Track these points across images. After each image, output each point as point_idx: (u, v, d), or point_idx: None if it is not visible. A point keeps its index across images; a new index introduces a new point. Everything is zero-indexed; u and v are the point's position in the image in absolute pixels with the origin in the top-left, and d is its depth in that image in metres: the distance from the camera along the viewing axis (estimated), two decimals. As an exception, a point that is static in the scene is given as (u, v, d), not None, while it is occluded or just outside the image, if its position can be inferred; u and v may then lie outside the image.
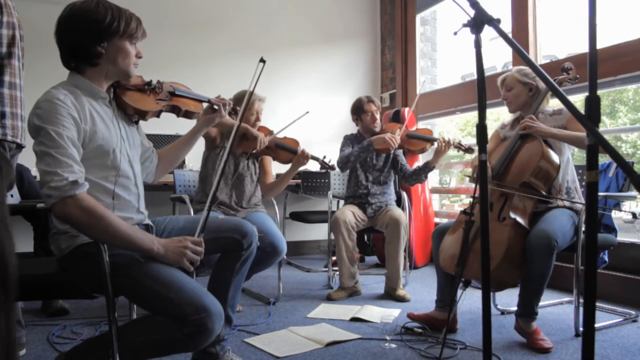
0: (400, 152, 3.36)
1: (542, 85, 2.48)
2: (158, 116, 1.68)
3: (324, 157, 2.94)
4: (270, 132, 2.92)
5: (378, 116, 3.31)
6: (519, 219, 2.25)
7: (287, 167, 2.91)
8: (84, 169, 1.38)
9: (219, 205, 2.79)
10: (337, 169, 3.14)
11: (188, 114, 1.73)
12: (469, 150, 2.95)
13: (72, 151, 1.36)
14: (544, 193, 2.34)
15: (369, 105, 3.27)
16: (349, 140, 3.38)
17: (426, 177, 3.33)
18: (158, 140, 3.97)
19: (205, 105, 1.81)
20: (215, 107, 1.80)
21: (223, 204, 2.80)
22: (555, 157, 2.33)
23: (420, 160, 4.34)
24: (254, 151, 2.76)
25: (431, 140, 3.10)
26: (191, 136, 1.83)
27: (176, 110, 1.70)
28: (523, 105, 2.53)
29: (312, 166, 4.64)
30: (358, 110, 3.31)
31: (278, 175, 3.10)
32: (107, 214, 1.35)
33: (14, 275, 0.86)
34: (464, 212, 2.44)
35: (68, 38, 1.46)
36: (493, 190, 2.35)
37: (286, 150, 2.88)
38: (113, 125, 1.54)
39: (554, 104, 2.61)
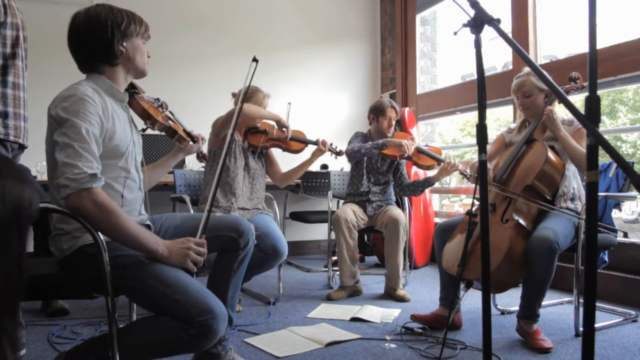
0: (403, 161, 3.37)
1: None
2: (161, 130, 1.78)
3: (331, 144, 3.05)
4: (272, 127, 2.98)
5: (394, 123, 3.33)
6: (522, 221, 2.24)
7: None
8: (101, 167, 1.41)
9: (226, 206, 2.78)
10: (342, 154, 3.19)
11: (180, 139, 1.84)
12: (471, 178, 2.89)
13: (94, 147, 1.39)
14: (548, 197, 2.33)
15: (391, 111, 3.28)
16: (359, 137, 3.38)
17: (422, 192, 3.38)
18: (158, 140, 3.98)
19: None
20: (195, 139, 1.92)
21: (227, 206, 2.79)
22: (559, 162, 2.32)
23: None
24: (262, 144, 2.86)
25: (439, 160, 3.15)
26: (170, 158, 1.92)
27: (172, 132, 1.81)
28: (539, 112, 2.45)
29: (312, 165, 4.64)
30: (378, 111, 3.31)
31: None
32: (118, 210, 1.37)
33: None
34: (468, 213, 2.43)
35: (89, 41, 1.50)
36: (497, 193, 2.34)
37: (300, 141, 2.99)
38: (128, 128, 1.59)
39: (562, 111, 2.58)
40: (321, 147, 2.95)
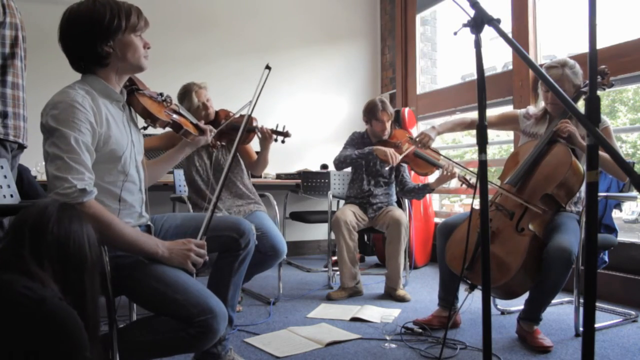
0: (404, 164, 3.34)
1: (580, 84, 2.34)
2: (164, 128, 1.73)
3: (277, 126, 2.71)
4: (227, 114, 2.83)
5: (388, 125, 3.30)
6: (537, 231, 2.15)
7: None
8: (94, 176, 1.38)
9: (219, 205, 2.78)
10: (291, 136, 2.77)
11: (186, 134, 1.79)
12: (471, 185, 2.81)
13: (85, 157, 1.35)
14: (563, 205, 2.25)
15: (383, 114, 3.23)
16: (354, 139, 3.37)
17: (423, 196, 3.37)
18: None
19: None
20: (202, 131, 1.86)
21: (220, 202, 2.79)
22: (581, 167, 2.19)
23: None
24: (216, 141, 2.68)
25: (437, 166, 3.07)
26: (175, 153, 1.87)
27: (177, 127, 1.76)
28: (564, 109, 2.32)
29: (312, 165, 4.65)
30: (371, 115, 3.28)
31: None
32: (112, 220, 1.36)
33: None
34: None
35: (73, 43, 1.45)
36: (512, 198, 2.24)
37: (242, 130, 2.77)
38: (125, 129, 1.54)
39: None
40: (260, 135, 2.66)
